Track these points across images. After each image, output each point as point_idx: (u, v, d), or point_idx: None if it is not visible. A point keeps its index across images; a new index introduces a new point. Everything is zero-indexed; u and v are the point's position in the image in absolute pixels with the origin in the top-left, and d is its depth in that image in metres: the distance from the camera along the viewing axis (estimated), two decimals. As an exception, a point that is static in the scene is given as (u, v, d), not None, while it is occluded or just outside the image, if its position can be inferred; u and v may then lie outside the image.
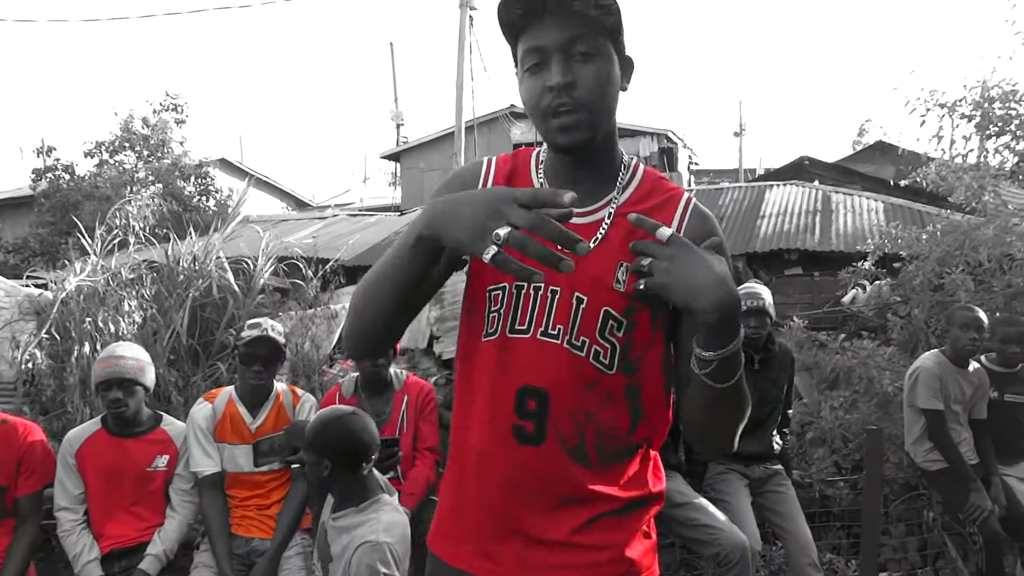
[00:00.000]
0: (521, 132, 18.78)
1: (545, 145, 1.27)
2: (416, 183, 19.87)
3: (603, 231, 1.21)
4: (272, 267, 5.95)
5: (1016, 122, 5.99)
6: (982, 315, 3.62)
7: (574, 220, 1.09)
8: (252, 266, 5.82)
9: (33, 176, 16.98)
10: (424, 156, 20.43)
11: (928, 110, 6.12)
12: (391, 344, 1.99)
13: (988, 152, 6.32)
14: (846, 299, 6.77)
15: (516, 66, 1.21)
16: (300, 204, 23.35)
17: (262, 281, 5.78)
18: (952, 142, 6.35)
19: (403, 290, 1.11)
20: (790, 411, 3.62)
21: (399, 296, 1.12)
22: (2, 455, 2.67)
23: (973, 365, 3.67)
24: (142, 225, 6.62)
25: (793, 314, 6.21)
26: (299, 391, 3.18)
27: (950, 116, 6.13)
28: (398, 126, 22.00)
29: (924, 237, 5.79)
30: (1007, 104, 5.97)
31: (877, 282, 6.37)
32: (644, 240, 1.09)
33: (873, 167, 15.77)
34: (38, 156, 17.31)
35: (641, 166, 1.30)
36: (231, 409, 2.98)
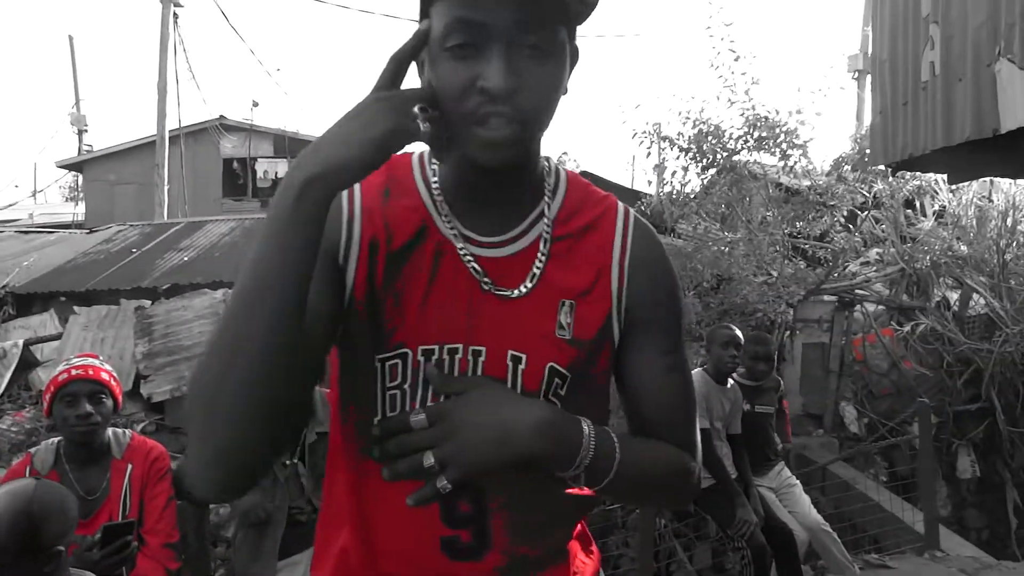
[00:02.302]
0: (232, 146, 17.55)
1: (430, 150, 0.94)
2: (105, 197, 17.60)
3: (539, 265, 0.94)
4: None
5: (718, 155, 6.70)
6: (739, 333, 3.83)
7: (493, 253, 0.92)
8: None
9: None
10: (115, 167, 18.09)
11: (652, 142, 6.67)
12: (300, 423, 1.36)
13: (700, 182, 7.02)
14: None
15: (422, 39, 0.85)
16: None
17: None
18: (673, 172, 6.97)
19: (298, 287, 0.76)
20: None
21: (296, 304, 0.76)
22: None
23: (729, 382, 3.84)
24: None
25: None
26: None
27: (671, 147, 6.72)
28: (80, 132, 19.69)
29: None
30: (715, 139, 6.65)
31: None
32: (401, 443, 0.88)
33: None
34: None
35: (562, 170, 1.03)
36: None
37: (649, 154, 6.80)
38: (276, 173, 17.27)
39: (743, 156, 6.70)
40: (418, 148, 0.93)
